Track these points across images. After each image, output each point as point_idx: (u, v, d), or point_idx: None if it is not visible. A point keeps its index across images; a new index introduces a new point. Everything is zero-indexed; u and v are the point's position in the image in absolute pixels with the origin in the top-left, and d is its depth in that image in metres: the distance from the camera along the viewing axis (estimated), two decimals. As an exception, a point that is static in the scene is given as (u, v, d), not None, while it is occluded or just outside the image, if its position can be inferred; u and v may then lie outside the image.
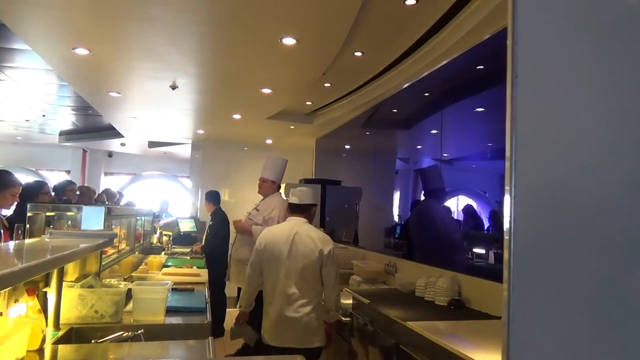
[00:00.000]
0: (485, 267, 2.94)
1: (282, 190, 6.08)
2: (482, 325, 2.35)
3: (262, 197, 4.14)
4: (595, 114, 0.87)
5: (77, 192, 4.90)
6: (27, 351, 1.62)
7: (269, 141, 7.82)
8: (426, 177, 3.73)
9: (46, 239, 2.03)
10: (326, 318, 2.76)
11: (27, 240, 2.21)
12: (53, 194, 4.64)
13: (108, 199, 6.53)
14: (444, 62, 3.56)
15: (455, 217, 3.51)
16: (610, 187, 0.85)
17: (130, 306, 2.34)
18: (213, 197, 5.75)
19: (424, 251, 3.60)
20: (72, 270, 2.38)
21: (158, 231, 5.52)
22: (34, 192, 3.63)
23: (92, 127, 8.78)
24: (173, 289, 2.79)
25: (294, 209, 2.88)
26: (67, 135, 9.20)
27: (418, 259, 3.67)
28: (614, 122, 0.87)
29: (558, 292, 0.83)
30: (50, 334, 1.91)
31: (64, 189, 4.79)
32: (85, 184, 8.00)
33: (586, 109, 0.87)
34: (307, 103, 5.67)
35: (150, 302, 2.25)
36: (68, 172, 10.79)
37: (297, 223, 2.82)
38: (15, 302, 1.70)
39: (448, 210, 3.52)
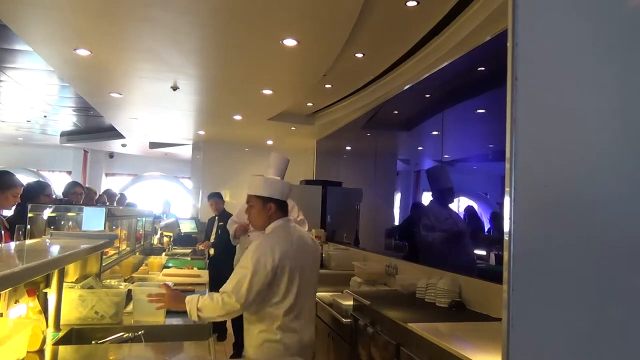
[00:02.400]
0: (486, 268, 2.93)
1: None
2: (482, 327, 2.35)
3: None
4: (595, 116, 0.87)
5: (84, 195, 4.90)
6: (28, 352, 1.63)
7: (269, 142, 7.84)
8: (434, 178, 3.68)
9: (47, 240, 2.04)
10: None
11: (28, 241, 2.21)
12: (62, 196, 4.64)
13: (109, 200, 6.54)
14: (445, 64, 3.56)
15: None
16: (610, 189, 0.85)
17: (130, 307, 2.34)
18: (220, 195, 5.79)
19: (430, 253, 3.59)
20: (72, 271, 2.39)
21: (159, 232, 5.52)
22: (36, 194, 3.63)
23: (93, 128, 8.80)
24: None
25: (284, 210, 2.34)
26: (68, 136, 9.22)
27: (419, 260, 3.67)
28: (614, 124, 0.87)
29: (558, 294, 0.83)
30: (50, 335, 1.91)
31: (69, 191, 4.79)
32: (87, 185, 8.01)
33: (586, 111, 0.87)
34: (308, 104, 5.68)
35: (150, 303, 2.25)
36: (69, 172, 10.81)
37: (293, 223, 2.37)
38: (15, 303, 1.70)
39: (455, 211, 3.48)
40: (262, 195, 2.27)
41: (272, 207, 2.26)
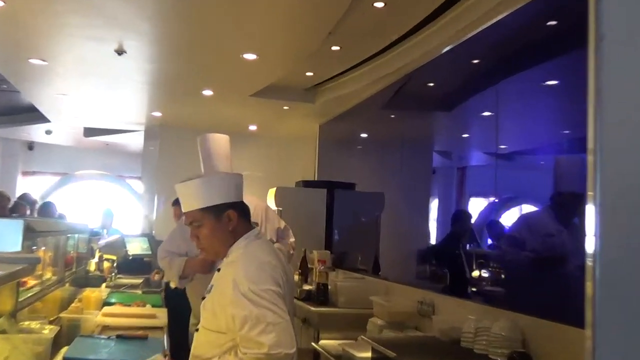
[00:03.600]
0: (559, 305, 2.94)
1: (272, 196, 6.11)
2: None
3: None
4: None
5: None
6: None
7: (252, 127, 7.84)
8: (566, 174, 3.48)
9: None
10: None
11: None
12: None
13: (28, 209, 6.56)
14: (500, 17, 3.55)
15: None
16: None
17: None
18: None
19: (488, 283, 3.56)
20: (-23, 310, 2.39)
21: (97, 254, 5.53)
22: None
23: (6, 109, 8.83)
24: (118, 336, 2.81)
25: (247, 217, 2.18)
26: (-30, 119, 9.27)
27: (466, 294, 3.66)
28: None
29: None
30: (-53, 399, 1.92)
31: None
32: (-4, 188, 8.04)
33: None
34: (308, 74, 5.69)
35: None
36: (-29, 171, 10.87)
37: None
38: None
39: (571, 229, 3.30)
40: (212, 205, 2.01)
41: (233, 216, 2.03)
